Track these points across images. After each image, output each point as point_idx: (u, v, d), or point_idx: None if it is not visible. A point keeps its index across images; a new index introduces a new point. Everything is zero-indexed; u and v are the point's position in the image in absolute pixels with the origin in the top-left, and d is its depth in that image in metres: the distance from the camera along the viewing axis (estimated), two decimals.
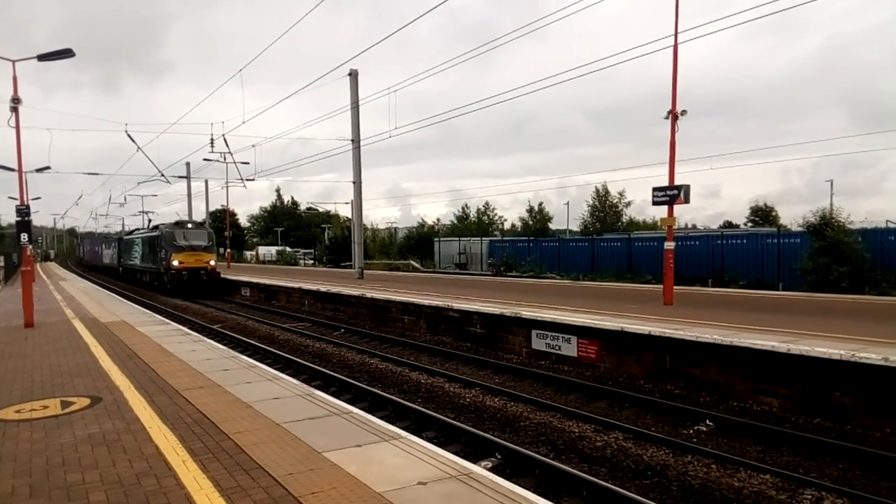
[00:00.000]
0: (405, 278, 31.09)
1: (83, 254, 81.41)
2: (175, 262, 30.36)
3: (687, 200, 14.67)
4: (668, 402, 9.51)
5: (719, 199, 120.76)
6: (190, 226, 33.27)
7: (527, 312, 13.51)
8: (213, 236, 33.82)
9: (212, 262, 31.72)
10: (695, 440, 7.95)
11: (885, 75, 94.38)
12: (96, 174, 39.91)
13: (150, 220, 48.38)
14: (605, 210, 59.38)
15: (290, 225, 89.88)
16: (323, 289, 22.96)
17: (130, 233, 45.99)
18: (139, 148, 28.50)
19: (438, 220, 70.57)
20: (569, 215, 67.28)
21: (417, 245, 55.52)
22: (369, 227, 65.27)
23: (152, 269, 33.89)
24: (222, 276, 32.70)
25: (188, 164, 46.01)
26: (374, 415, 6.97)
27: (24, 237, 14.52)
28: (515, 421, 8.82)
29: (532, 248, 37.80)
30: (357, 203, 28.68)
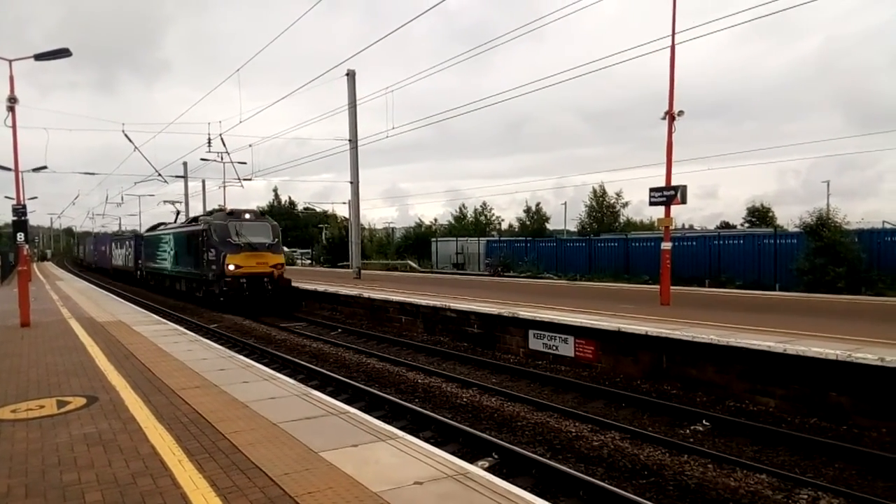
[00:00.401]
0: (402, 278, 31.08)
1: (84, 254, 73.74)
2: (231, 267, 22.27)
3: (684, 201, 14.68)
4: (664, 402, 9.52)
5: (716, 199, 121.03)
6: (248, 217, 24.27)
7: (524, 312, 13.51)
8: (279, 231, 25.13)
9: (278, 266, 23.52)
10: (691, 440, 7.96)
11: (882, 76, 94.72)
12: (93, 174, 39.37)
13: (178, 213, 38.15)
14: (603, 210, 59.36)
15: (287, 225, 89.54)
16: (320, 288, 22.93)
17: (154, 228, 36.53)
18: (136, 148, 28.38)
19: (436, 220, 70.50)
20: (566, 216, 67.33)
21: (415, 245, 55.44)
22: (367, 226, 65.09)
23: (193, 275, 25.76)
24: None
25: (185, 164, 45.97)
26: (370, 414, 6.97)
27: (20, 237, 14.49)
28: (512, 421, 8.82)
29: (529, 248, 37.80)
30: (354, 203, 28.65)
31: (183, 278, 27.75)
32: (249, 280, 22.55)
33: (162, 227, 34.26)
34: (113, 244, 49.43)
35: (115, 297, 24.58)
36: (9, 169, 19.98)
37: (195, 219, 28.01)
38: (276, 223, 25.42)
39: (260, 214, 25.51)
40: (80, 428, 5.96)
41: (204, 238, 23.83)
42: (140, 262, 37.01)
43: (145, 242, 35.67)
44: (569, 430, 8.30)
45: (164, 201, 46.18)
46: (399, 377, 11.76)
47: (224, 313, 22.38)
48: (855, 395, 8.21)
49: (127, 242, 42.81)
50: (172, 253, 28.95)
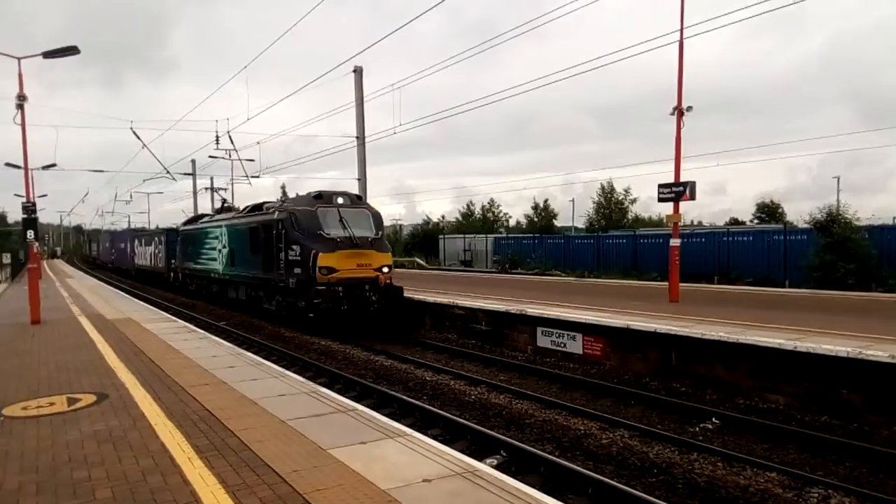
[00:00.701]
0: (410, 275, 31.08)
1: (98, 252, 69.57)
2: (323, 270, 16.11)
3: (693, 197, 14.64)
4: (673, 399, 9.49)
5: (725, 195, 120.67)
6: (341, 200, 17.63)
7: (532, 310, 13.49)
8: (382, 221, 18.58)
9: (385, 269, 17.01)
10: (701, 438, 7.93)
11: (891, 71, 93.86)
12: (102, 171, 39.67)
13: (224, 201, 30.73)
14: (611, 207, 59.11)
15: None
16: None
17: (194, 220, 30.56)
18: (144, 145, 28.42)
19: (443, 217, 70.35)
20: (574, 212, 67.17)
21: (422, 242, 55.41)
22: None
23: (259, 281, 19.58)
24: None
25: (193, 162, 45.94)
26: (379, 412, 6.97)
27: (30, 234, 14.60)
28: (520, 418, 8.81)
29: (537, 245, 37.75)
30: None
31: (242, 284, 21.49)
32: (347, 289, 16.10)
33: (207, 218, 28.27)
34: (136, 241, 43.31)
35: (124, 294, 24.70)
36: (18, 167, 20.12)
37: (258, 206, 21.58)
38: (377, 210, 18.54)
39: (357, 198, 18.72)
40: (91, 425, 5.99)
41: (280, 230, 17.58)
42: (174, 262, 31.57)
43: (182, 238, 29.70)
44: (577, 428, 8.28)
45: (206, 188, 37.46)
46: (407, 375, 11.77)
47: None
48: (866, 393, 8.15)
49: (156, 239, 36.67)
50: (226, 251, 22.73)
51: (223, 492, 4.30)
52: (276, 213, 18.23)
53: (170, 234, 33.80)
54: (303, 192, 19.22)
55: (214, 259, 24.16)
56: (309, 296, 16.05)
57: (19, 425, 6.06)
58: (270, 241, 18.21)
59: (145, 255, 39.43)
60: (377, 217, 18.15)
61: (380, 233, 17.74)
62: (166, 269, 33.24)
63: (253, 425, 5.87)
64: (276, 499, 4.17)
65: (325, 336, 16.21)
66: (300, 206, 17.57)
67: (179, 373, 8.36)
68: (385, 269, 16.95)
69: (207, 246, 25.10)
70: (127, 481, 4.53)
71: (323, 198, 17.58)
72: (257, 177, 33.03)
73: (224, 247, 22.97)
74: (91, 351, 10.30)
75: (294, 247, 16.93)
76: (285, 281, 17.25)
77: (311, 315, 16.04)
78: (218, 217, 26.13)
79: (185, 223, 31.62)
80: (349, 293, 16.12)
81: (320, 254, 16.18)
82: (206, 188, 36.62)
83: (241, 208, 23.75)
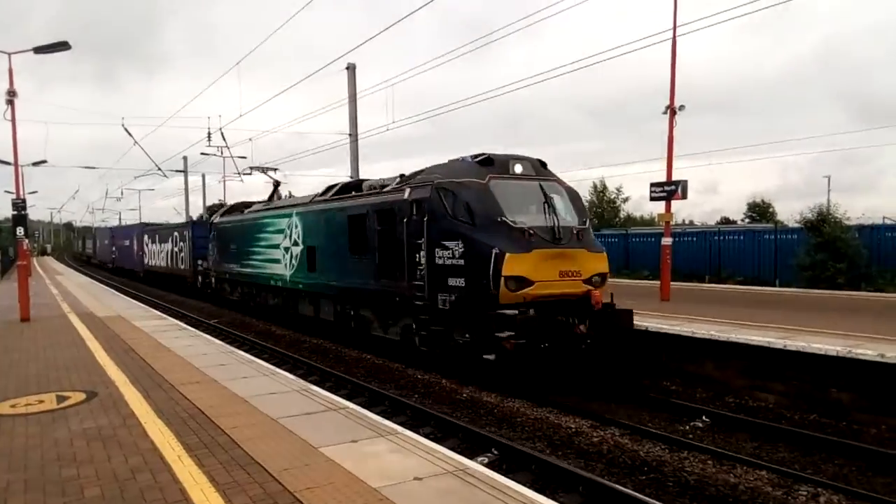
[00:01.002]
0: None
1: (94, 250, 63.18)
2: (512, 283, 9.53)
3: (685, 196, 14.70)
4: (664, 398, 9.51)
5: (717, 194, 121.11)
6: (519, 169, 10.93)
7: None
8: (582, 200, 11.93)
9: (597, 279, 10.52)
10: (691, 436, 7.97)
11: (883, 71, 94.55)
12: (93, 168, 39.26)
13: (277, 184, 22.84)
14: (603, 206, 59.24)
15: None
16: None
17: (236, 208, 23.59)
18: (136, 142, 28.26)
19: None
20: None
21: None
22: None
23: (370, 295, 13.14)
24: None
25: (185, 158, 45.70)
26: (370, 410, 6.96)
27: (19, 231, 14.50)
28: (512, 417, 8.81)
29: None
30: None
31: (329, 298, 15.26)
32: (542, 313, 9.76)
33: (259, 205, 21.01)
34: (146, 237, 36.72)
35: (114, 291, 24.55)
36: (8, 163, 19.97)
37: (353, 185, 15.51)
38: (573, 188, 11.89)
39: (541, 164, 11.60)
40: (80, 423, 5.95)
41: (417, 217, 11.14)
42: (202, 263, 25.75)
43: (219, 233, 23.14)
44: (568, 427, 8.30)
45: (251, 167, 26.54)
46: (399, 373, 11.75)
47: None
48: (855, 392, 8.21)
49: (176, 234, 30.39)
50: (298, 250, 16.33)
51: (213, 490, 4.28)
52: (409, 189, 11.67)
53: (197, 227, 27.70)
54: (295, 190, 17.02)
55: (276, 260, 17.77)
56: (486, 325, 9.72)
57: (8, 423, 6.02)
58: (393, 233, 11.91)
59: (159, 254, 33.18)
60: (575, 196, 11.64)
61: (585, 220, 11.14)
62: (191, 273, 27.21)
63: (243, 423, 5.85)
64: (267, 497, 4.16)
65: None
66: (459, 178, 10.77)
67: (170, 370, 8.33)
68: (597, 279, 10.58)
69: (263, 243, 18.74)
70: (116, 479, 4.51)
71: (495, 164, 10.90)
72: (249, 174, 32.53)
73: (295, 244, 16.59)
74: (81, 348, 10.24)
75: (450, 243, 10.39)
76: (428, 298, 10.85)
77: (494, 357, 9.66)
78: (281, 203, 19.60)
79: (223, 213, 24.57)
80: (546, 320, 9.76)
81: (507, 254, 9.60)
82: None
83: (323, 189, 16.84)
